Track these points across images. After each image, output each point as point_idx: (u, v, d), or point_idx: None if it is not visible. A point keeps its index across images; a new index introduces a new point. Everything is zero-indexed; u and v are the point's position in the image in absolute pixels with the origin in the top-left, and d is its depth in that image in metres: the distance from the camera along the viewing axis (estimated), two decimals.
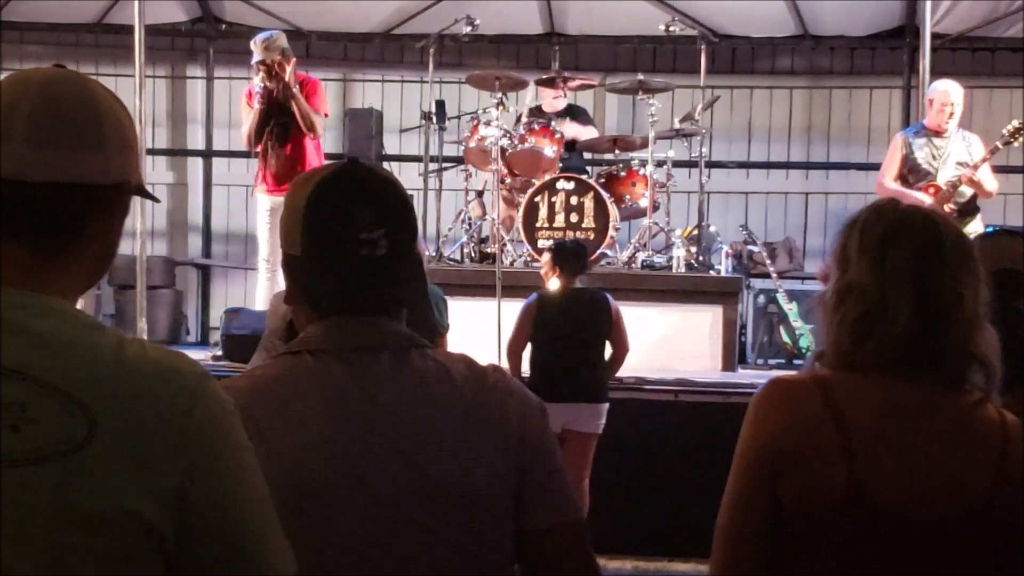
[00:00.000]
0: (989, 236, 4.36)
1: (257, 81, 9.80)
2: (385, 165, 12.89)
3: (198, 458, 1.73)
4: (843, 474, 2.46)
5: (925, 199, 9.17)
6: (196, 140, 15.00)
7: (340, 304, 2.32)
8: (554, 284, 7.94)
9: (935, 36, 11.63)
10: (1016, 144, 9.58)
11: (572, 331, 7.73)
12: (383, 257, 2.28)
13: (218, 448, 1.77)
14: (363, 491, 2.18)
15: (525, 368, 7.90)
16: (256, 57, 9.77)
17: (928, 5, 11.01)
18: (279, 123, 9.77)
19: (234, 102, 14.54)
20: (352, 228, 2.27)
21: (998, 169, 12.74)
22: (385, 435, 2.22)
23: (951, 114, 9.53)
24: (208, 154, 14.83)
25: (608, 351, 7.97)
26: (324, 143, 14.53)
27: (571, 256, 8.01)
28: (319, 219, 2.29)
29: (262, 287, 10.12)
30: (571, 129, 11.37)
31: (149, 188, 1.97)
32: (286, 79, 9.63)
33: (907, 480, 2.48)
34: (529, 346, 7.87)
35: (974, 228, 9.40)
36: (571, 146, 11.35)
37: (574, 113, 11.60)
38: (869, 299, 2.53)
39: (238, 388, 2.22)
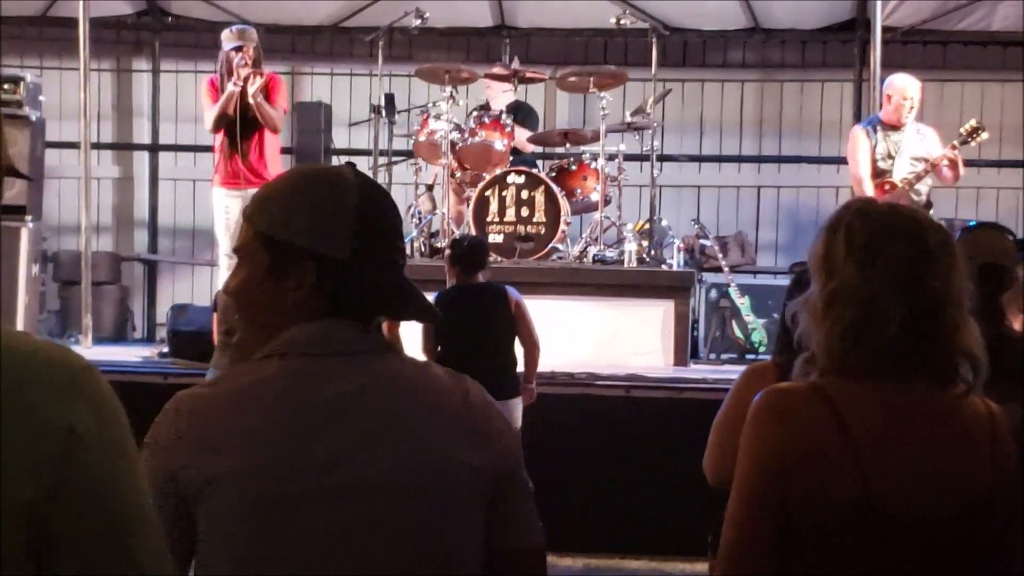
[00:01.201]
0: (973, 230, 4.33)
1: (224, 72, 9.78)
2: (334, 159, 12.86)
3: (73, 452, 1.62)
4: (852, 480, 2.48)
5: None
6: (142, 134, 14.83)
7: (364, 308, 2.31)
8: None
9: (886, 29, 11.68)
10: (973, 144, 9.56)
11: (471, 328, 7.54)
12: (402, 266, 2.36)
13: (94, 443, 1.65)
14: (312, 504, 2.14)
15: None
16: (233, 43, 9.77)
17: None
18: (243, 119, 9.69)
19: (181, 95, 14.50)
20: (398, 235, 2.35)
21: (990, 164, 12.85)
22: (344, 442, 2.18)
23: (910, 108, 9.52)
24: (154, 148, 14.68)
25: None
26: None
27: (466, 253, 7.89)
28: (373, 222, 2.29)
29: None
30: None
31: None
32: (251, 91, 9.65)
33: (913, 482, 2.51)
34: None
35: None
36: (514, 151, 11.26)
37: (518, 114, 11.45)
38: (860, 304, 2.55)
39: (201, 397, 2.23)
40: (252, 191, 8.97)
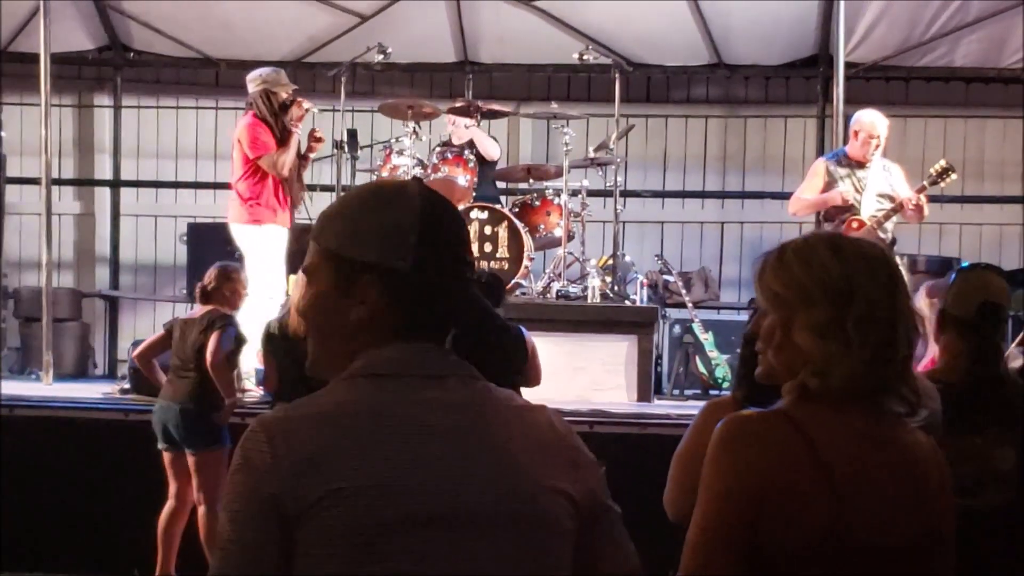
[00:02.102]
0: (969, 270, 4.35)
1: (272, 114, 9.67)
2: None
3: None
4: (825, 510, 2.46)
5: (847, 196, 9.22)
6: (104, 170, 14.74)
7: (436, 325, 2.29)
8: None
9: (849, 65, 11.72)
10: (943, 185, 9.54)
11: (482, 366, 7.46)
12: (472, 282, 2.33)
13: None
14: (414, 522, 2.11)
15: None
16: (286, 88, 9.74)
17: (841, 34, 11.10)
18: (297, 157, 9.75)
19: (143, 131, 14.42)
20: (464, 247, 2.30)
21: (954, 200, 12.89)
22: (441, 462, 2.16)
23: (876, 147, 9.51)
24: (116, 184, 14.58)
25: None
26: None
27: (485, 290, 7.84)
28: (437, 231, 2.25)
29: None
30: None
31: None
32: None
33: (881, 512, 2.51)
34: None
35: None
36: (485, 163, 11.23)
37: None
38: (835, 334, 2.54)
39: (291, 419, 2.19)
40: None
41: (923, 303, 7.01)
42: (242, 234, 9.63)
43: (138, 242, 14.64)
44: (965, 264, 4.59)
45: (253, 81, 9.78)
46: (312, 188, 13.35)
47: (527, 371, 7.64)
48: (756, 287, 2.69)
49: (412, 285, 2.23)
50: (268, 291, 9.22)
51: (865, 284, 2.55)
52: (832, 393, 2.54)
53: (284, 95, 9.68)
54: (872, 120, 9.55)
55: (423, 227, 2.23)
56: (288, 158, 9.55)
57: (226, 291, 7.85)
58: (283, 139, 9.60)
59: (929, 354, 6.90)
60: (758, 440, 2.52)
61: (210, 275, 7.93)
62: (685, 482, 3.18)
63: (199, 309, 7.92)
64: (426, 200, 2.27)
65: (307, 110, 9.74)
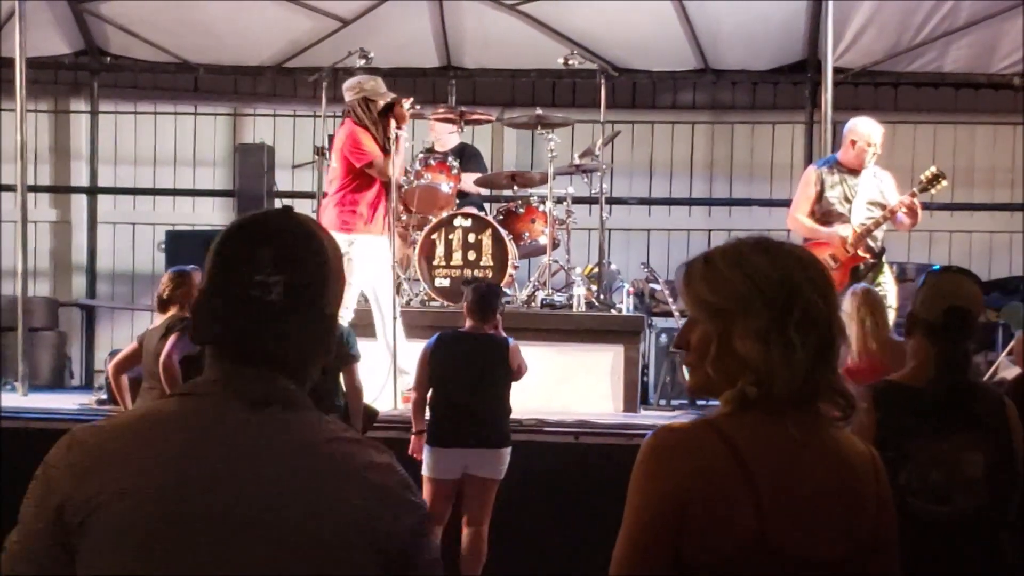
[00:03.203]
0: (938, 273, 4.28)
1: (373, 120, 9.62)
2: (276, 202, 12.63)
3: None
4: (750, 519, 2.43)
5: (844, 234, 9.07)
6: (80, 176, 14.63)
7: (231, 348, 2.26)
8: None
9: (837, 71, 11.66)
10: (934, 191, 9.39)
11: (467, 376, 7.55)
12: (275, 303, 2.22)
13: None
14: (192, 537, 2.10)
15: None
16: (385, 95, 9.67)
17: (830, 39, 11.02)
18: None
19: (120, 137, 14.29)
20: (249, 269, 2.23)
21: (944, 207, 12.82)
22: (230, 483, 2.14)
23: (873, 155, 9.37)
24: (93, 191, 14.48)
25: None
26: (214, 180, 14.26)
27: (477, 300, 7.83)
28: (223, 256, 2.27)
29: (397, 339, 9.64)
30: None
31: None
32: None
33: (807, 522, 2.47)
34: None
35: (887, 277, 9.30)
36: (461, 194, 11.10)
37: (463, 156, 11.28)
38: (777, 338, 2.49)
39: (93, 428, 2.22)
40: None
41: (847, 306, 6.93)
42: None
43: (115, 250, 14.53)
44: (936, 267, 4.46)
45: (351, 89, 9.74)
46: (293, 196, 13.31)
47: (513, 369, 7.72)
48: (684, 298, 2.64)
49: (205, 307, 2.28)
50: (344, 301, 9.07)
51: (802, 285, 2.52)
52: (771, 401, 2.49)
53: (383, 101, 9.62)
54: (870, 130, 9.40)
55: (216, 250, 2.28)
56: (398, 161, 9.58)
57: (181, 295, 7.74)
58: (385, 144, 9.57)
59: (849, 358, 6.80)
60: (682, 450, 2.49)
61: (164, 282, 7.92)
62: None
63: (159, 318, 7.81)
64: (234, 225, 2.33)
65: (410, 109, 9.70)
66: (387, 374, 9.21)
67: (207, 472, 2.13)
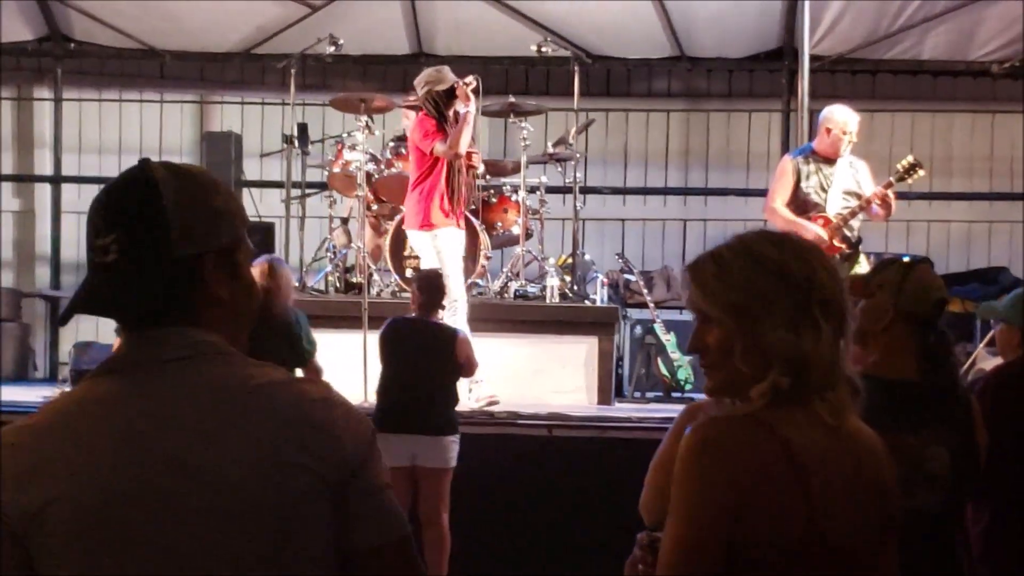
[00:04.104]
0: (919, 265, 4.23)
1: (439, 111, 9.49)
2: (244, 191, 12.49)
3: None
4: (800, 511, 2.45)
5: (820, 231, 8.90)
6: (44, 165, 14.48)
7: (120, 317, 2.25)
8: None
9: (814, 58, 11.64)
10: (911, 181, 9.28)
11: (414, 363, 7.65)
12: (113, 264, 2.16)
13: None
14: (146, 516, 2.08)
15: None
16: (448, 82, 9.49)
17: (807, 26, 10.98)
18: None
19: (85, 125, 14.13)
20: (92, 235, 2.20)
21: (921, 196, 12.75)
22: (169, 451, 2.11)
23: (849, 143, 9.24)
24: (57, 180, 14.32)
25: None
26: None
27: (424, 288, 7.94)
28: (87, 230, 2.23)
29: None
30: None
31: None
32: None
33: (846, 509, 2.50)
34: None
35: (863, 268, 9.17)
36: None
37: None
38: (806, 323, 2.51)
39: (27, 428, 2.16)
40: None
41: None
42: (418, 241, 9.65)
43: (80, 240, 14.13)
44: (906, 257, 4.35)
45: (418, 85, 9.62)
46: (262, 185, 13.16)
47: (461, 362, 7.80)
48: (701, 301, 2.59)
49: (119, 274, 2.19)
50: (449, 296, 8.94)
51: (817, 271, 2.56)
52: (802, 390, 2.51)
53: (442, 87, 9.49)
54: (845, 117, 9.28)
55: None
56: (465, 134, 9.36)
57: None
58: (444, 124, 9.50)
59: None
60: (735, 444, 2.47)
61: None
62: (665, 487, 3.02)
63: None
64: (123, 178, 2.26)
65: (469, 83, 9.48)
66: None
67: (137, 448, 2.09)
